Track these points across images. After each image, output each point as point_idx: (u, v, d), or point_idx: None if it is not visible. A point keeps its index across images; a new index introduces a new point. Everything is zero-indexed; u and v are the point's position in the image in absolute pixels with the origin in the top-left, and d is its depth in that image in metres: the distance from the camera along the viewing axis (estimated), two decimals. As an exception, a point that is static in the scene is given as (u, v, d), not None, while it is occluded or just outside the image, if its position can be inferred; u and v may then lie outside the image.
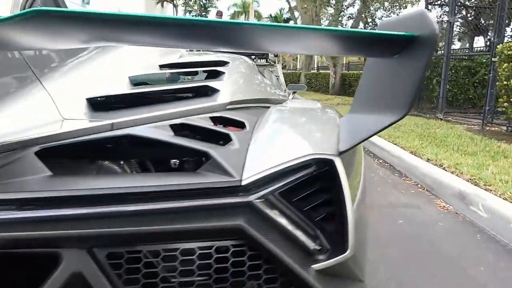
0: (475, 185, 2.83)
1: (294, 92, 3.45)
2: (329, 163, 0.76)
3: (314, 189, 0.83)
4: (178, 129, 0.99)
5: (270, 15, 31.49)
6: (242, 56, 1.94)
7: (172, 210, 0.69)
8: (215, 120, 1.03)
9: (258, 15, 33.75)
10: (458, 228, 2.43)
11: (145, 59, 1.42)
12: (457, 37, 12.35)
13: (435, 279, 1.79)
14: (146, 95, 1.16)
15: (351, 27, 14.12)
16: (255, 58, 9.20)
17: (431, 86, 8.21)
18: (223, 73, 1.30)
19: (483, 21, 9.25)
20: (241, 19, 33.90)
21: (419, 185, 3.34)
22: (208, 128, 0.93)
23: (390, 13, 12.90)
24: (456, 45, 15.37)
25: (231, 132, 0.92)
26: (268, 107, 1.11)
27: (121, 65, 1.33)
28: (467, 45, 11.65)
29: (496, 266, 1.93)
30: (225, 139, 0.89)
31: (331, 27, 0.62)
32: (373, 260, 1.93)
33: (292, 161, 0.76)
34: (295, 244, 0.75)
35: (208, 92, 1.15)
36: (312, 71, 22.31)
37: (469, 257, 2.02)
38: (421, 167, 3.46)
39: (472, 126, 6.43)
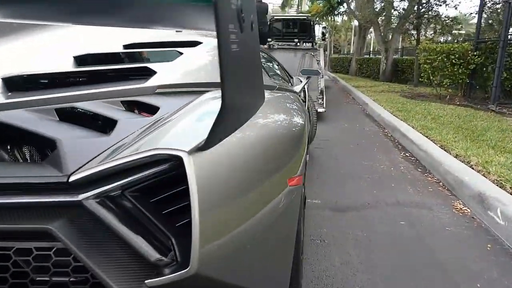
0: (500, 187, 2.49)
1: (308, 77, 3.24)
2: (179, 161, 0.64)
3: (176, 191, 0.71)
4: (67, 114, 0.91)
5: (323, -3, 30.37)
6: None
7: None
8: (132, 104, 0.95)
9: (311, -2, 32.76)
10: (468, 236, 2.14)
11: (109, 38, 1.35)
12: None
13: (415, 293, 1.58)
14: (73, 75, 1.09)
15: (405, 11, 13.18)
16: (298, 42, 9.03)
17: (485, 74, 7.44)
18: (181, 54, 1.22)
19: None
20: (294, 2, 33.13)
21: (440, 183, 3.02)
22: (97, 114, 0.85)
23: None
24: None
25: (124, 118, 0.83)
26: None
27: (68, 43, 1.28)
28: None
29: (496, 284, 1.66)
30: (110, 128, 0.79)
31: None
32: (353, 264, 1.76)
33: (130, 156, 0.64)
34: (131, 253, 0.65)
35: (149, 73, 1.07)
36: (365, 56, 21.36)
37: (469, 270, 1.77)
38: (447, 163, 3.13)
39: (528, 120, 5.76)
